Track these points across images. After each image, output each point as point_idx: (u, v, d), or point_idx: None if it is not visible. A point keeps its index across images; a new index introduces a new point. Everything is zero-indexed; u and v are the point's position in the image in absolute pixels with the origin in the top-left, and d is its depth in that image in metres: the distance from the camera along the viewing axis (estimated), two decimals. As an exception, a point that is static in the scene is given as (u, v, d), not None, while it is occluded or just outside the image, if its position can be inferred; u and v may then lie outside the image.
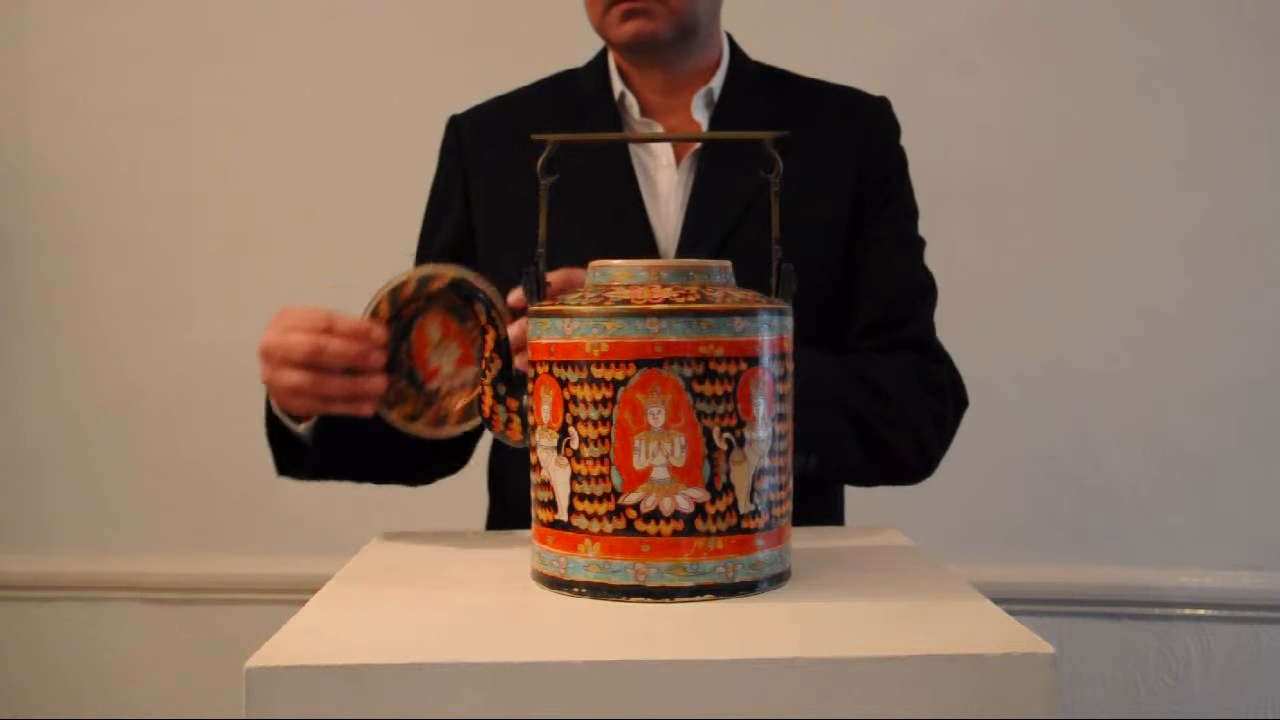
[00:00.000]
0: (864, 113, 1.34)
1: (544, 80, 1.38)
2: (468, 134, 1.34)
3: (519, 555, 0.92)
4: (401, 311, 0.98)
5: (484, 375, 0.90)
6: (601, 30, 1.27)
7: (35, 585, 2.09)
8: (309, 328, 0.98)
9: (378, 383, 0.98)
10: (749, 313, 0.82)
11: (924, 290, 1.31)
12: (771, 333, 0.83)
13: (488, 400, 0.90)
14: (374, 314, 0.98)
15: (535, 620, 0.78)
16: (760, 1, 1.96)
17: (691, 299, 0.81)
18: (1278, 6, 1.93)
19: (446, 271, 0.97)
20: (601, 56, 1.34)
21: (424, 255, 1.34)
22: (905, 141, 1.39)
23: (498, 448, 1.37)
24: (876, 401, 1.17)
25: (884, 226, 1.31)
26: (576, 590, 0.83)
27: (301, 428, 1.08)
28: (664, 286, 0.83)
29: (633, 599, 0.81)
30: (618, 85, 1.30)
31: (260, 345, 1.01)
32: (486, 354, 0.90)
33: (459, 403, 0.99)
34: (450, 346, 0.98)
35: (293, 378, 0.98)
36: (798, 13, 1.98)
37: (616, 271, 0.86)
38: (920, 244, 1.35)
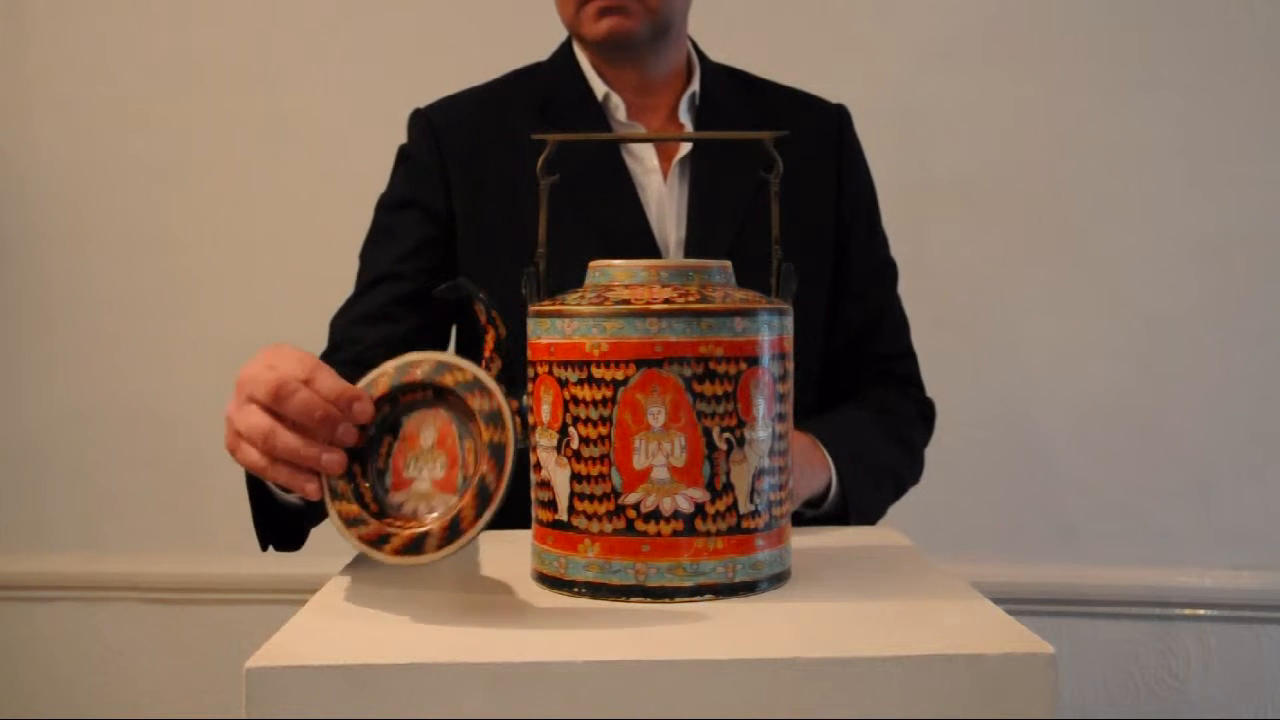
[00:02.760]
0: (832, 120, 1.35)
1: (508, 76, 1.35)
2: (443, 126, 1.29)
3: (519, 555, 0.92)
4: (400, 397, 0.81)
5: None
6: (574, 27, 1.25)
7: (35, 585, 2.09)
8: (287, 369, 0.82)
9: (333, 461, 0.80)
10: (749, 313, 0.82)
11: (906, 320, 1.39)
12: (771, 333, 0.83)
13: None
14: (369, 386, 0.81)
15: (535, 620, 0.78)
16: (759, 3, 1.96)
17: (691, 299, 0.81)
18: (1277, 6, 1.93)
19: (466, 366, 0.80)
20: (568, 55, 1.31)
21: (377, 268, 1.28)
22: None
23: None
24: (909, 460, 1.30)
25: (873, 253, 1.35)
26: (576, 590, 0.83)
27: (293, 496, 0.95)
28: (664, 286, 0.83)
29: (633, 599, 0.81)
30: (600, 86, 1.28)
31: (240, 374, 0.86)
32: (486, 354, 0.90)
33: (411, 531, 0.77)
34: (438, 460, 0.78)
35: (250, 418, 0.82)
36: (797, 14, 1.98)
37: (616, 271, 0.86)
38: (896, 268, 1.39)
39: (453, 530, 0.76)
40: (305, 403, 0.80)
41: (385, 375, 0.81)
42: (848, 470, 1.16)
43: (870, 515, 1.21)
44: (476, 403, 0.78)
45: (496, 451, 0.77)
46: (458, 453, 0.78)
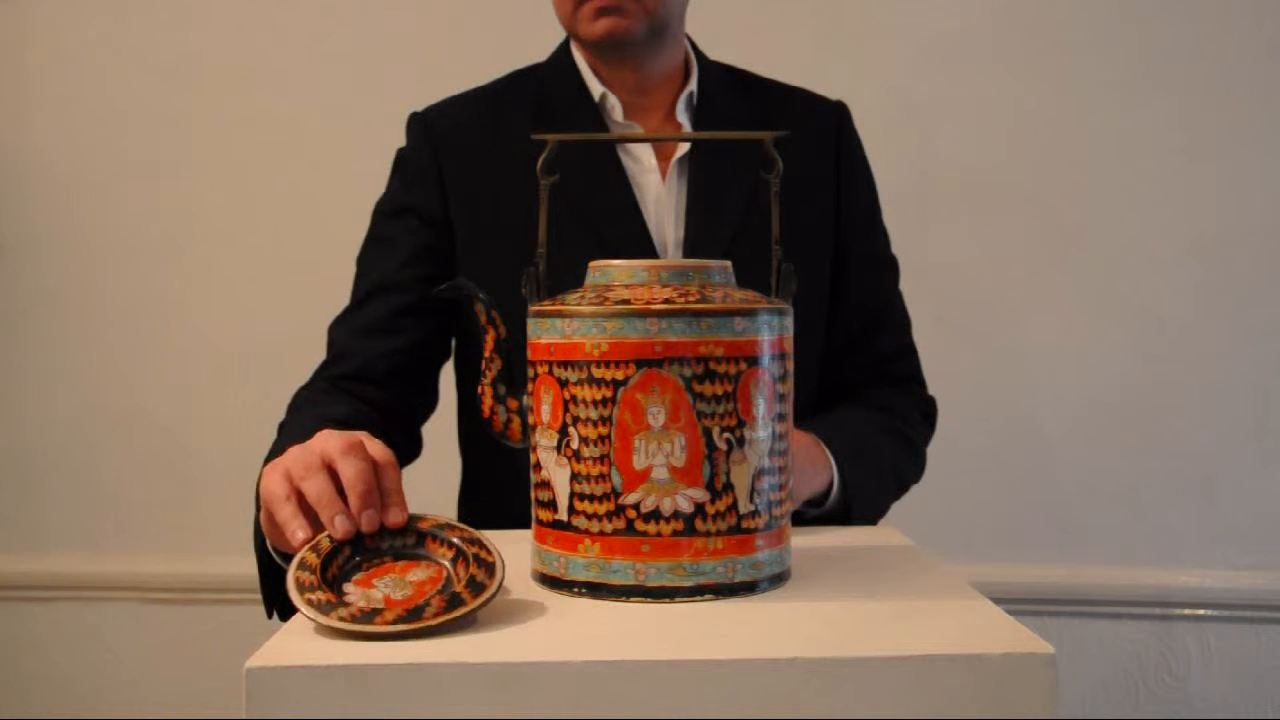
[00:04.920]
0: (832, 117, 1.34)
1: (508, 77, 1.34)
2: (439, 129, 1.28)
3: (519, 555, 0.92)
4: (428, 539, 0.85)
5: (484, 375, 0.90)
6: (571, 27, 1.24)
7: (35, 585, 2.09)
8: (371, 444, 0.88)
9: (343, 524, 0.83)
10: (749, 313, 0.82)
11: (908, 317, 1.38)
12: (771, 333, 0.83)
13: (487, 400, 0.90)
14: (416, 514, 0.87)
15: (535, 620, 0.78)
16: (759, 2, 1.96)
17: (691, 299, 0.81)
18: (1279, 7, 1.93)
19: (494, 554, 0.83)
20: (565, 55, 1.30)
21: (376, 277, 1.27)
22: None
23: (465, 421, 1.34)
24: (910, 458, 1.30)
25: (874, 250, 1.35)
26: (576, 590, 0.83)
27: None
28: (664, 286, 0.83)
29: (633, 599, 0.81)
30: (597, 87, 1.27)
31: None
32: (486, 354, 0.90)
33: (330, 602, 0.77)
34: (405, 590, 0.81)
35: (308, 455, 0.87)
36: (797, 13, 1.98)
37: (617, 271, 0.86)
38: (897, 265, 1.38)
39: (413, 613, 0.76)
40: (363, 470, 0.85)
41: (433, 519, 0.86)
42: (850, 469, 1.16)
43: (872, 514, 1.21)
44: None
45: (477, 588, 0.79)
46: (422, 598, 0.79)
